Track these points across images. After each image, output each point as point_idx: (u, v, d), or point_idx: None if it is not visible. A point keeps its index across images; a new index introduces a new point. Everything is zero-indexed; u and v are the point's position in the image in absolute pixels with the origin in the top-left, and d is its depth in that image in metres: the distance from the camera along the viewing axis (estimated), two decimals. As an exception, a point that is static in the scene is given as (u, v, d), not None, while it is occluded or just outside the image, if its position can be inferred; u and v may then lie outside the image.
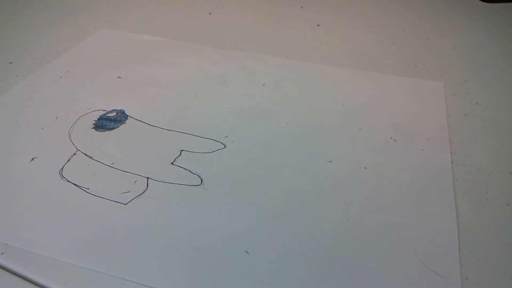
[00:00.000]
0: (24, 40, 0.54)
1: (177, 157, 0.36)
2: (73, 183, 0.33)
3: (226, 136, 0.38)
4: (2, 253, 0.28)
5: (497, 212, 0.31)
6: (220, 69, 0.47)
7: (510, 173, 0.35)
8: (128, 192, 0.33)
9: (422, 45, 0.52)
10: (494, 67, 0.48)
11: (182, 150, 0.36)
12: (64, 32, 0.55)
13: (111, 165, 0.35)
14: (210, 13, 0.59)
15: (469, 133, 0.39)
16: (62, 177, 0.34)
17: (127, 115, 0.40)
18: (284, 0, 0.63)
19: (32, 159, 0.36)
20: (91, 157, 0.36)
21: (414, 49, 0.51)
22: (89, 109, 0.41)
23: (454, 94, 0.44)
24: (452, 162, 0.35)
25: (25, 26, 0.57)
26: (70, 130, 0.39)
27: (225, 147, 0.37)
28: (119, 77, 0.46)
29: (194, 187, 0.33)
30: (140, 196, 0.32)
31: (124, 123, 0.39)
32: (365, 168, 0.35)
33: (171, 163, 0.35)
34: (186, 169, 0.34)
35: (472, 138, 0.38)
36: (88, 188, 0.33)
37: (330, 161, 0.35)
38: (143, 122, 0.39)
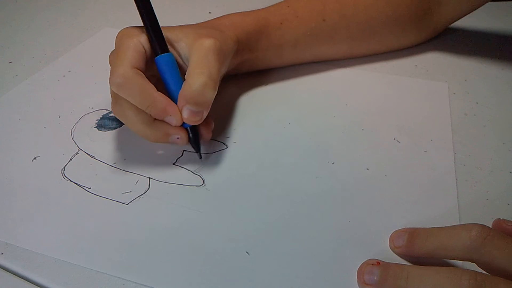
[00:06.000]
0: (24, 40, 0.54)
1: (179, 157, 0.36)
2: (75, 183, 0.33)
3: (228, 137, 0.38)
4: (2, 253, 0.28)
5: (497, 212, 0.31)
6: (221, 69, 0.47)
7: (511, 172, 0.35)
8: (130, 192, 0.33)
9: (422, 44, 0.52)
10: (494, 66, 0.48)
11: (184, 151, 0.36)
12: (64, 32, 0.55)
13: (113, 165, 0.35)
14: (210, 12, 0.59)
15: (469, 133, 0.39)
16: (64, 176, 0.34)
17: (128, 115, 0.40)
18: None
19: (34, 158, 0.36)
20: (93, 157, 0.36)
21: (414, 48, 0.51)
22: (92, 108, 0.41)
23: (454, 93, 0.44)
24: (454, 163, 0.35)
25: (25, 26, 0.57)
26: (73, 129, 0.39)
27: (227, 147, 0.37)
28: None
29: (196, 187, 0.33)
30: (142, 196, 0.32)
31: (126, 123, 0.39)
32: (367, 169, 0.35)
33: (173, 164, 0.35)
34: (188, 170, 0.35)
35: (472, 138, 0.38)
36: (90, 188, 0.33)
37: (333, 163, 0.35)
38: (145, 122, 0.39)
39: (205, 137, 0.35)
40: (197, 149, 0.34)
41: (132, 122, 0.33)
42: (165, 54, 0.33)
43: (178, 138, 0.33)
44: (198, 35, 0.34)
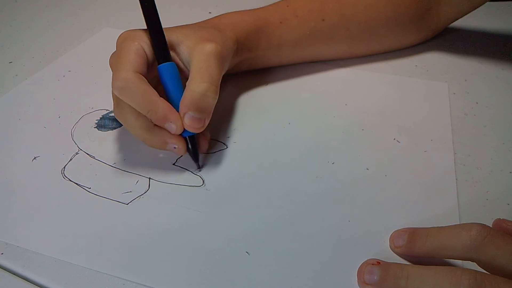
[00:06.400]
0: (24, 40, 0.54)
1: (179, 157, 0.36)
2: (75, 183, 0.33)
3: (228, 137, 0.38)
4: (2, 253, 0.28)
5: (497, 212, 0.31)
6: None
7: (510, 172, 0.35)
8: (130, 192, 0.33)
9: (422, 44, 0.52)
10: (494, 66, 0.48)
11: (183, 150, 0.36)
12: (64, 32, 0.55)
13: (113, 165, 0.35)
14: (210, 12, 0.59)
15: (469, 133, 0.39)
16: (64, 176, 0.34)
17: (128, 115, 0.40)
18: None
19: (34, 158, 0.36)
20: (93, 157, 0.36)
21: (414, 48, 0.51)
22: (92, 108, 0.41)
23: (454, 93, 0.44)
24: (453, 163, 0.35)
25: (25, 26, 0.57)
26: (73, 129, 0.39)
27: (227, 147, 0.37)
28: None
29: (196, 187, 0.33)
30: (142, 196, 0.32)
31: (126, 123, 0.39)
32: (367, 169, 0.35)
33: (173, 164, 0.35)
34: (188, 170, 0.35)
35: (472, 138, 0.38)
36: (89, 188, 0.33)
37: (333, 163, 0.35)
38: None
39: (203, 147, 0.35)
40: (196, 160, 0.34)
41: (131, 126, 0.33)
42: (167, 63, 0.33)
43: (175, 147, 0.33)
44: (199, 38, 0.34)
